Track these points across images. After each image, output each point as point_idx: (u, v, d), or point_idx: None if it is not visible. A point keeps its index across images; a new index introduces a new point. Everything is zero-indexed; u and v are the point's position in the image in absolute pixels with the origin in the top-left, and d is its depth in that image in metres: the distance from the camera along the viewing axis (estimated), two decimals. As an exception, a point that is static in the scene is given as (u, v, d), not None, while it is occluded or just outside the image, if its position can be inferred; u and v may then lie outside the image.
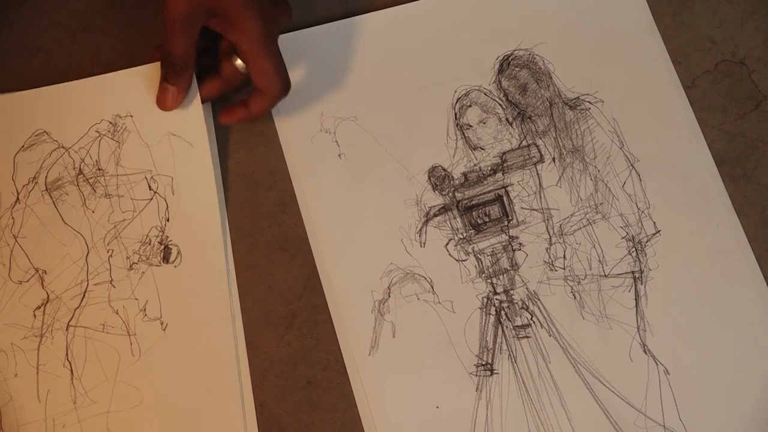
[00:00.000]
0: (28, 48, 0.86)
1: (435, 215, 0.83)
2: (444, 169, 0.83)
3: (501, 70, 0.87)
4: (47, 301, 0.76)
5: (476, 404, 0.78)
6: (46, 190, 0.79)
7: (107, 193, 0.79)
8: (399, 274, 0.81)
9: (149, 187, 0.79)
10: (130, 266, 0.77)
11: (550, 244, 0.83)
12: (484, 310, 0.80)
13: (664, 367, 0.78)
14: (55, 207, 0.79)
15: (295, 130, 0.83)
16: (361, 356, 0.77)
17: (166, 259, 0.78)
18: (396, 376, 0.77)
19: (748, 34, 0.86)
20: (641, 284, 0.81)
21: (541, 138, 0.85)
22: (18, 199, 0.79)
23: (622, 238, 0.82)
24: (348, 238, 0.80)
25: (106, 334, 0.76)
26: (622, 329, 0.80)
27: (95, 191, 0.79)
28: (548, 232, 0.83)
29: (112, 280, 0.77)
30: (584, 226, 0.82)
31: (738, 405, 0.77)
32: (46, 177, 0.79)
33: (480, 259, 0.81)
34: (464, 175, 0.84)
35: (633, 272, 0.82)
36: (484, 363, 0.79)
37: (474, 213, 0.83)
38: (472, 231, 0.83)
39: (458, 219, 0.83)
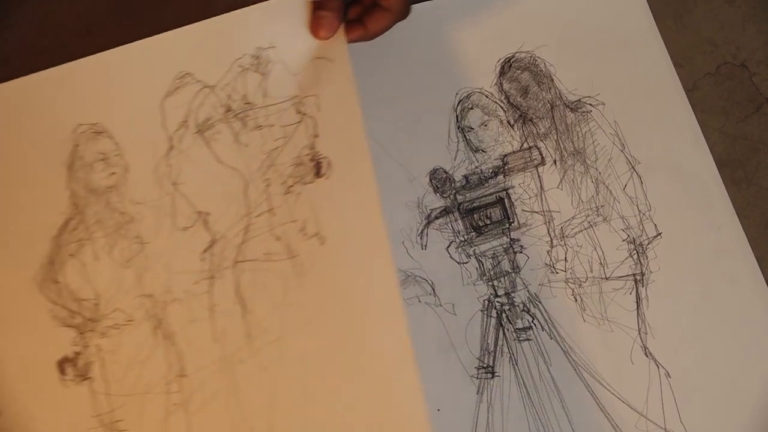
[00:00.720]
0: (31, 50, 0.86)
1: (436, 218, 0.83)
2: (445, 172, 0.83)
3: (502, 73, 0.87)
4: (213, 243, 0.76)
5: (477, 407, 0.78)
6: (198, 132, 0.78)
7: (258, 125, 0.78)
8: (400, 276, 0.81)
9: (297, 111, 0.78)
10: (287, 190, 0.77)
11: (551, 247, 0.83)
12: (486, 312, 0.80)
13: (666, 369, 0.78)
14: (209, 147, 0.77)
15: None
16: None
17: (317, 173, 0.77)
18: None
19: (749, 37, 0.86)
20: (642, 287, 0.81)
21: (542, 140, 0.85)
22: (172, 145, 0.77)
23: (623, 240, 0.82)
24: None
25: (270, 262, 0.75)
26: (623, 332, 0.80)
27: (246, 125, 0.78)
28: (549, 235, 0.83)
29: (271, 208, 0.76)
30: (585, 229, 0.82)
31: (739, 407, 0.77)
32: (195, 118, 0.78)
33: (481, 262, 0.82)
34: (465, 177, 0.85)
35: (634, 275, 0.82)
36: (485, 365, 0.79)
37: (475, 215, 0.83)
38: (473, 233, 0.83)
39: (459, 221, 0.84)
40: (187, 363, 0.73)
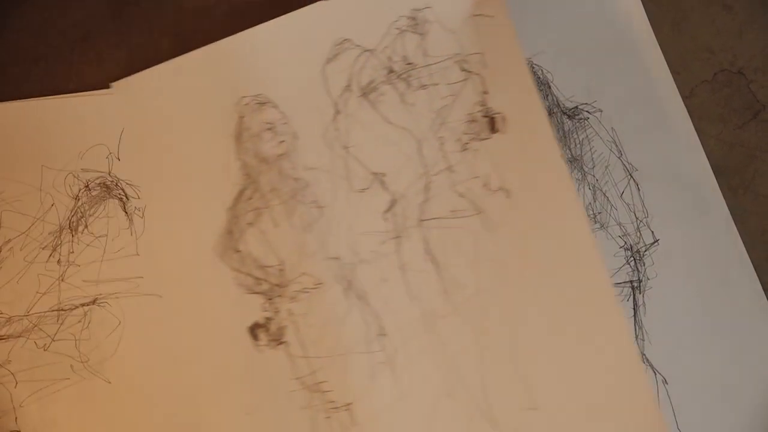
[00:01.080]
0: (28, 57, 0.86)
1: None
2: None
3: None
4: (394, 203, 0.78)
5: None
6: (362, 95, 0.80)
7: (422, 84, 0.80)
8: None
9: (462, 68, 0.80)
10: (463, 147, 0.79)
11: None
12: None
13: (663, 376, 0.78)
14: (376, 109, 0.80)
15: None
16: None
17: (492, 128, 0.79)
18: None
19: (746, 44, 0.86)
20: (639, 293, 0.81)
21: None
22: (338, 110, 0.80)
23: (620, 247, 0.82)
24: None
25: (457, 219, 0.78)
26: (620, 339, 0.77)
27: (410, 86, 0.80)
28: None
29: (449, 165, 0.78)
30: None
31: (736, 414, 0.77)
32: (358, 82, 0.80)
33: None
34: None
35: (631, 281, 0.81)
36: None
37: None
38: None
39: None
40: (385, 322, 0.76)
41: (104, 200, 0.77)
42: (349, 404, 0.75)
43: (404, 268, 0.78)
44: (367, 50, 0.82)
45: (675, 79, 0.86)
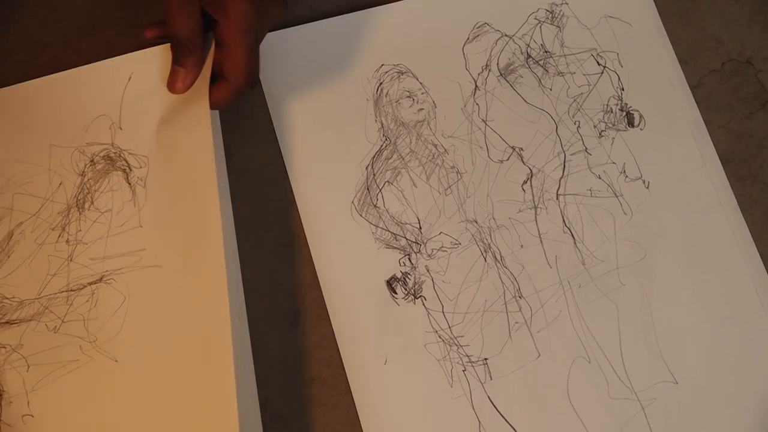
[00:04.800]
0: (35, 44, 0.82)
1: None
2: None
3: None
4: (531, 176, 0.82)
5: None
6: (501, 75, 0.84)
7: (559, 71, 0.85)
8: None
9: (597, 62, 0.85)
10: (600, 134, 0.83)
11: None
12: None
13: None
14: (514, 89, 0.83)
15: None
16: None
17: (630, 123, 0.84)
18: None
19: (754, 34, 0.89)
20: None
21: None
22: (477, 86, 0.84)
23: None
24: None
25: (594, 198, 0.81)
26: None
27: (547, 71, 0.85)
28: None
29: (586, 148, 0.83)
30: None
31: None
32: (497, 63, 0.84)
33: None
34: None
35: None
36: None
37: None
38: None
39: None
40: (522, 285, 0.79)
41: (108, 173, 0.75)
42: (485, 359, 0.77)
43: (542, 236, 0.81)
44: (506, 35, 0.86)
45: (683, 69, 0.88)
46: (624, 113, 0.85)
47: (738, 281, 0.80)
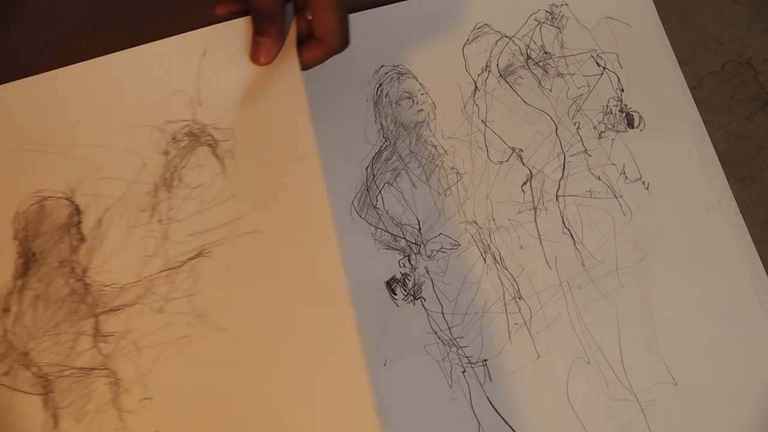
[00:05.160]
0: (35, 43, 0.82)
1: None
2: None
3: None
4: (531, 177, 0.82)
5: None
6: (501, 76, 0.85)
7: (558, 72, 0.85)
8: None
9: (597, 63, 0.85)
10: (599, 135, 0.84)
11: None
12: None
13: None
14: (514, 90, 0.84)
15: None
16: None
17: (630, 125, 0.84)
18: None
19: (754, 35, 0.89)
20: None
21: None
22: (476, 87, 0.84)
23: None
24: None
25: (594, 199, 0.82)
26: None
27: (547, 72, 0.85)
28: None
29: (586, 149, 0.83)
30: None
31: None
32: (497, 64, 0.85)
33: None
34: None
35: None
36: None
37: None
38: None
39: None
40: (522, 286, 0.79)
41: (194, 149, 0.75)
42: (485, 360, 0.77)
43: (542, 237, 0.81)
44: (506, 36, 0.87)
45: (683, 70, 0.87)
46: (624, 114, 0.85)
47: (737, 282, 0.80)
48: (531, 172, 0.83)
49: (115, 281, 0.71)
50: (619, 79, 0.86)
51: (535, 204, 0.82)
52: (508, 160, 0.83)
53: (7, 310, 0.70)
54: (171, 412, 0.68)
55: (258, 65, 0.74)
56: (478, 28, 0.87)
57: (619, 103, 0.86)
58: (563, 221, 0.82)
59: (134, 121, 0.75)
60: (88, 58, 0.79)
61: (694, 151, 0.82)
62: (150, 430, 0.67)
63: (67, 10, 0.83)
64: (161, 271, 0.71)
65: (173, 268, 0.72)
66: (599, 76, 0.86)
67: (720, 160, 0.83)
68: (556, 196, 0.83)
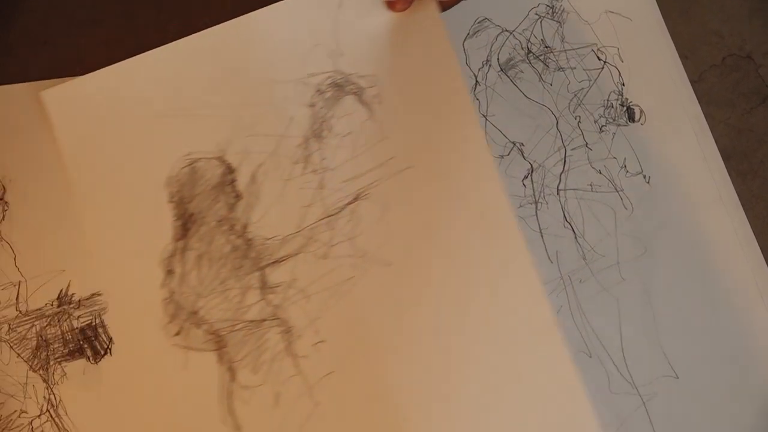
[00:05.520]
0: (34, 40, 0.82)
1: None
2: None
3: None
4: (532, 171, 0.82)
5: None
6: (501, 70, 0.84)
7: (559, 66, 0.85)
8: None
9: (598, 57, 0.85)
10: (600, 129, 0.84)
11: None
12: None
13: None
14: (515, 85, 0.84)
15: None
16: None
17: (631, 118, 0.84)
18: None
19: (755, 29, 0.88)
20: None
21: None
22: (477, 81, 0.84)
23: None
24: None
25: (595, 193, 0.82)
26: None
27: (548, 67, 0.85)
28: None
29: (587, 143, 0.83)
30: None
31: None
32: (498, 59, 0.84)
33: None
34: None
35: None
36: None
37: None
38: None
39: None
40: None
41: (339, 99, 0.76)
42: None
43: (543, 231, 0.81)
44: (507, 31, 0.86)
45: (683, 64, 0.87)
46: (624, 108, 0.85)
47: (739, 276, 0.79)
48: (532, 166, 0.82)
49: (275, 234, 0.74)
50: (620, 73, 0.86)
51: (536, 198, 0.82)
52: (509, 154, 0.82)
53: (171, 271, 0.72)
54: (344, 353, 0.71)
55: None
56: (478, 23, 0.86)
57: (620, 97, 0.85)
58: (564, 215, 0.81)
59: (277, 77, 0.76)
60: (88, 55, 0.80)
61: (695, 144, 0.82)
62: (325, 372, 0.71)
63: (67, 6, 0.83)
64: (321, 219, 0.74)
65: (332, 215, 0.74)
66: (600, 70, 0.85)
67: (721, 153, 0.83)
68: (557, 189, 0.82)
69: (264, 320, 0.72)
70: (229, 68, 0.76)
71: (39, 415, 0.73)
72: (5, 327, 0.74)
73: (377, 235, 0.73)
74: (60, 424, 0.72)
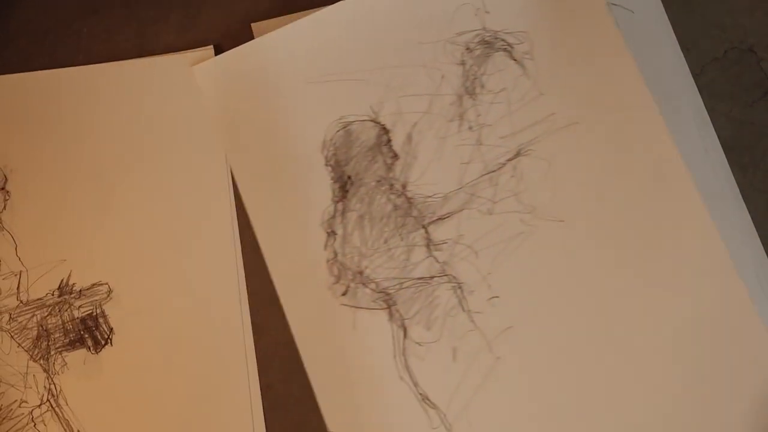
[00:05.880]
0: (37, 30, 0.82)
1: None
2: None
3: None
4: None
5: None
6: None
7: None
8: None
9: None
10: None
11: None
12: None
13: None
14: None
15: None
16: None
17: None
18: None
19: (757, 21, 0.88)
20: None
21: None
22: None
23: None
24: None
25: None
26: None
27: None
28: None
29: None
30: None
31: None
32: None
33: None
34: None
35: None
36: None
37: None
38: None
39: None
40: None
41: (489, 56, 0.78)
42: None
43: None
44: None
45: (685, 57, 0.86)
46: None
47: (740, 269, 0.78)
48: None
49: (436, 191, 0.75)
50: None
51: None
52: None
53: (332, 233, 0.74)
54: (521, 308, 0.73)
55: None
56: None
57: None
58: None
59: (425, 38, 0.78)
60: (88, 46, 0.81)
61: (697, 138, 0.82)
62: (503, 327, 0.73)
63: (69, -4, 0.81)
64: (482, 175, 0.75)
65: (494, 171, 0.75)
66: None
67: (723, 146, 0.82)
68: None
69: (433, 277, 0.74)
70: (377, 33, 0.78)
71: (39, 405, 0.73)
72: (6, 317, 0.74)
73: (544, 191, 0.75)
74: (60, 414, 0.72)
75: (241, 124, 0.77)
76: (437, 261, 0.74)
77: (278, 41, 0.78)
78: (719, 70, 0.82)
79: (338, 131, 0.77)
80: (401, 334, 0.73)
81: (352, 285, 0.74)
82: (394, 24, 0.78)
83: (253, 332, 0.76)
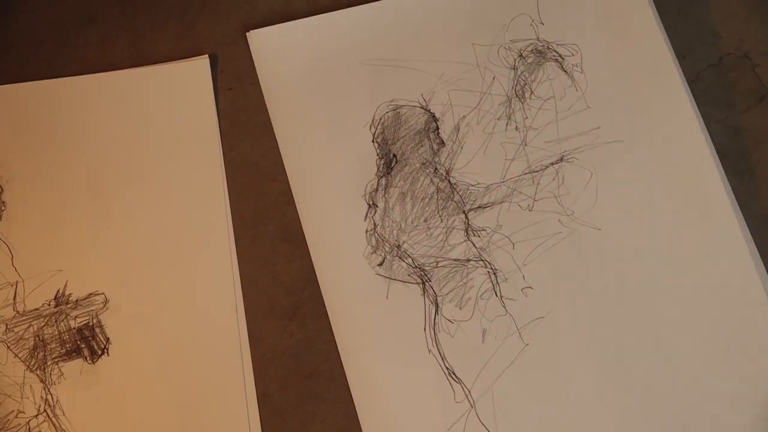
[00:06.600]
0: (33, 39, 0.83)
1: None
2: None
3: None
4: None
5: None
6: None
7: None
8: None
9: None
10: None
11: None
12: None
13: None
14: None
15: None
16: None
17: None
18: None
19: (752, 28, 0.87)
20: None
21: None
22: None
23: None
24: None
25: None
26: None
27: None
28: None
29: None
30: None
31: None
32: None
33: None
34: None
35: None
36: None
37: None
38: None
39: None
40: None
41: (541, 65, 0.82)
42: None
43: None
44: None
45: (680, 63, 0.85)
46: (623, 107, 0.83)
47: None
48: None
49: (479, 181, 0.79)
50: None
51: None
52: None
53: (374, 205, 0.77)
54: (554, 301, 0.75)
55: None
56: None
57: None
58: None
59: (479, 40, 0.82)
60: (84, 55, 0.82)
61: (692, 144, 0.82)
62: (534, 317, 0.75)
63: (64, 5, 0.83)
64: (525, 173, 0.78)
65: (536, 171, 0.78)
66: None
67: (718, 153, 0.82)
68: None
69: (469, 260, 0.76)
70: (434, 27, 0.82)
71: (36, 415, 0.72)
72: (2, 327, 0.74)
73: (584, 199, 0.78)
74: (57, 424, 0.72)
75: (291, 93, 0.81)
76: (474, 246, 0.77)
77: (338, 21, 0.82)
78: (715, 77, 0.82)
79: (387, 112, 0.80)
80: (433, 309, 0.75)
81: (389, 257, 0.77)
82: (450, 22, 0.82)
83: (250, 341, 0.76)
